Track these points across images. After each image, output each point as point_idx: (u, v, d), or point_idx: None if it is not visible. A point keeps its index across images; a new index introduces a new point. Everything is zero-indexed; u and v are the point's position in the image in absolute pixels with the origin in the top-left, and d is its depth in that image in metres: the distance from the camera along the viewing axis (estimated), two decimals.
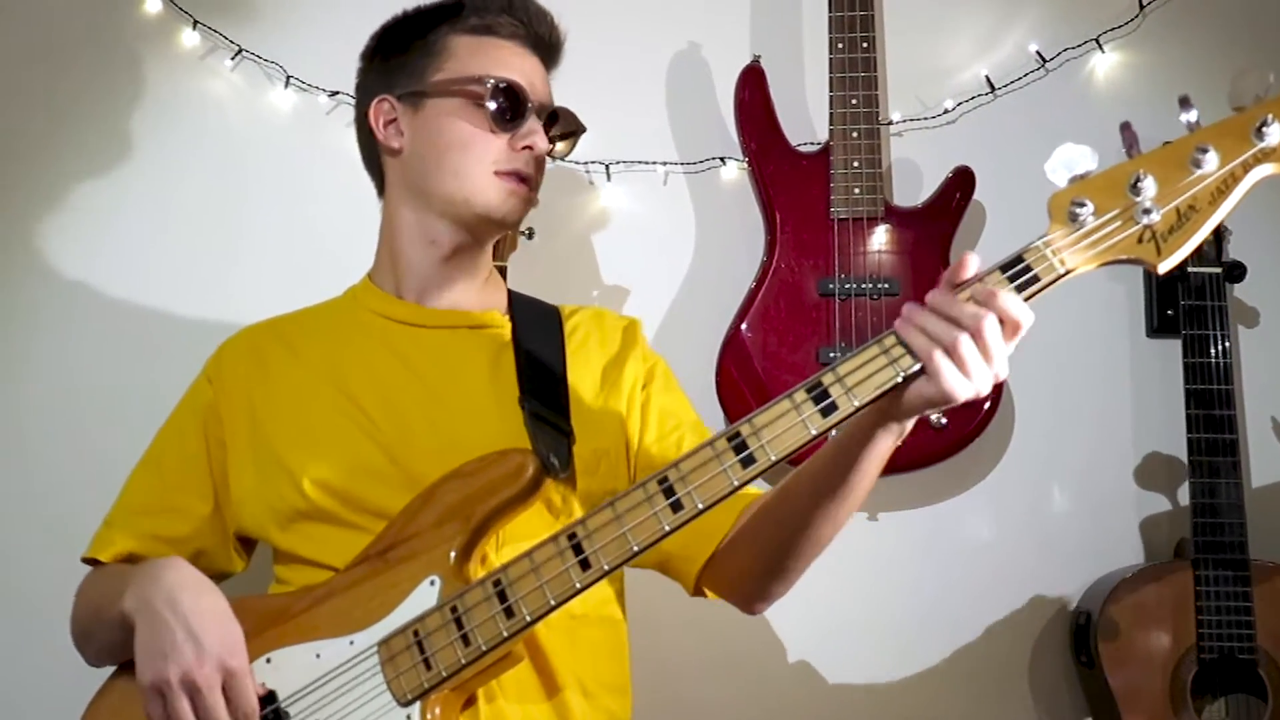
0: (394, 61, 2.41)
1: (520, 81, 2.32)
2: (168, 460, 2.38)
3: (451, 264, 2.38)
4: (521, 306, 2.44)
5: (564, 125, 2.43)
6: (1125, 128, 1.88)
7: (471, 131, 2.30)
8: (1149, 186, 1.79)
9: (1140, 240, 1.79)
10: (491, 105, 2.29)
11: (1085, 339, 3.27)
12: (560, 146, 2.44)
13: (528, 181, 2.33)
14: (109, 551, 2.33)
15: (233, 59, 3.22)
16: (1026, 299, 1.81)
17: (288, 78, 3.22)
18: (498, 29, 2.36)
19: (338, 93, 3.21)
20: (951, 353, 1.79)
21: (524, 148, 2.31)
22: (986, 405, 3.05)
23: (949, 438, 3.05)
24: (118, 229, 3.19)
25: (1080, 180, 1.85)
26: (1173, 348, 3.16)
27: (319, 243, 3.20)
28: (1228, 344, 3.07)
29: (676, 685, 3.12)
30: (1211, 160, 1.79)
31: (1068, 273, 1.81)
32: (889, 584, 3.23)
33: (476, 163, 2.30)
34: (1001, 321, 1.79)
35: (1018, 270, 1.83)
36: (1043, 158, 3.18)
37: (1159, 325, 3.26)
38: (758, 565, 2.23)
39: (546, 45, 2.42)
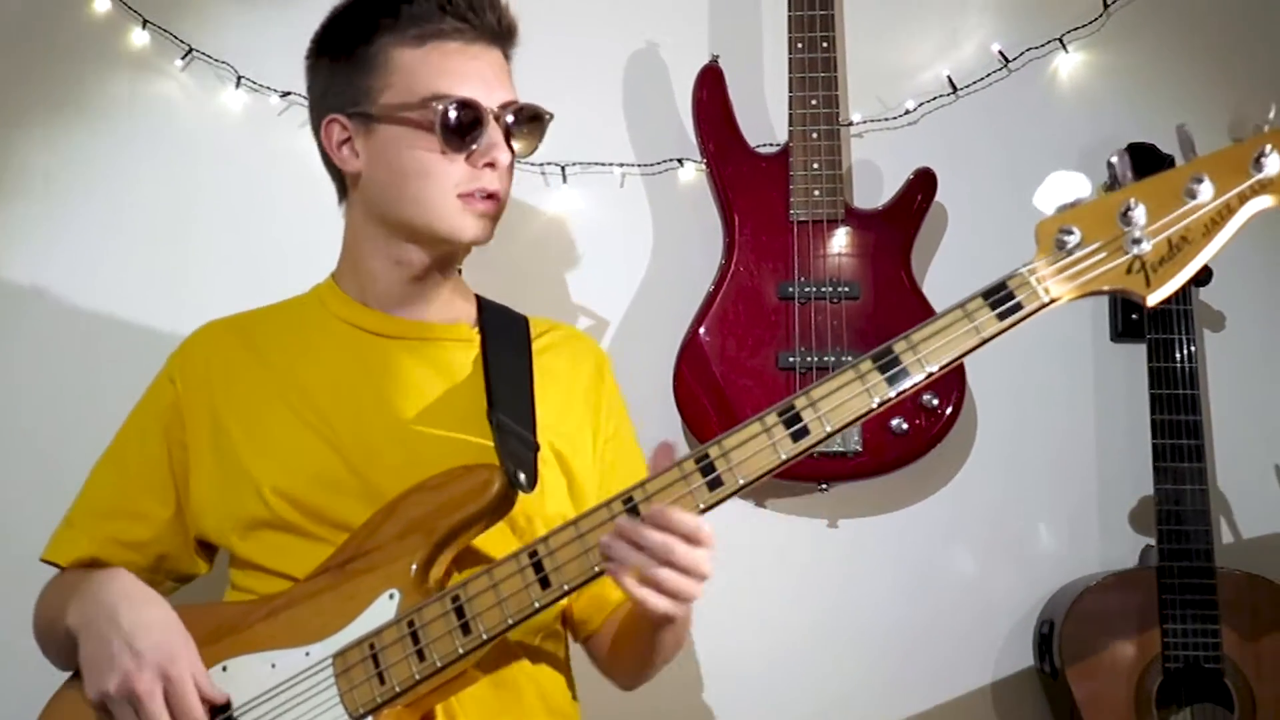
0: (340, 69, 2.32)
1: (471, 95, 2.22)
2: (129, 462, 2.36)
3: (421, 281, 2.34)
4: (491, 316, 2.42)
5: (528, 116, 2.31)
6: (1120, 155, 1.85)
7: (429, 158, 2.22)
8: (1140, 216, 1.78)
9: (1129, 270, 1.79)
10: (444, 128, 2.20)
11: (1049, 343, 3.25)
12: (520, 145, 2.31)
13: (495, 196, 2.26)
14: (68, 555, 2.32)
15: (183, 59, 3.20)
16: (1008, 328, 1.82)
17: (239, 78, 3.20)
18: (439, 33, 2.25)
19: (290, 93, 3.19)
20: (644, 575, 1.87)
21: (486, 164, 2.24)
22: (948, 410, 3.03)
23: (911, 443, 3.03)
24: (66, 233, 3.17)
25: (1069, 208, 1.82)
26: (1137, 352, 3.14)
27: (272, 246, 3.18)
28: (1193, 348, 3.05)
29: (629, 699, 3.10)
30: (1207, 190, 1.78)
31: (1052, 301, 1.81)
32: (849, 592, 3.22)
33: (439, 189, 2.23)
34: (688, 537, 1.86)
35: (1000, 297, 1.82)
36: (1006, 159, 3.23)
37: (1123, 329, 3.25)
38: (614, 663, 2.38)
39: (498, 35, 2.31)
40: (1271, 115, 1.79)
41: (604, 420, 2.41)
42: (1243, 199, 1.77)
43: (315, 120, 2.37)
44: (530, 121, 2.32)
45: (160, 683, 1.98)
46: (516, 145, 2.30)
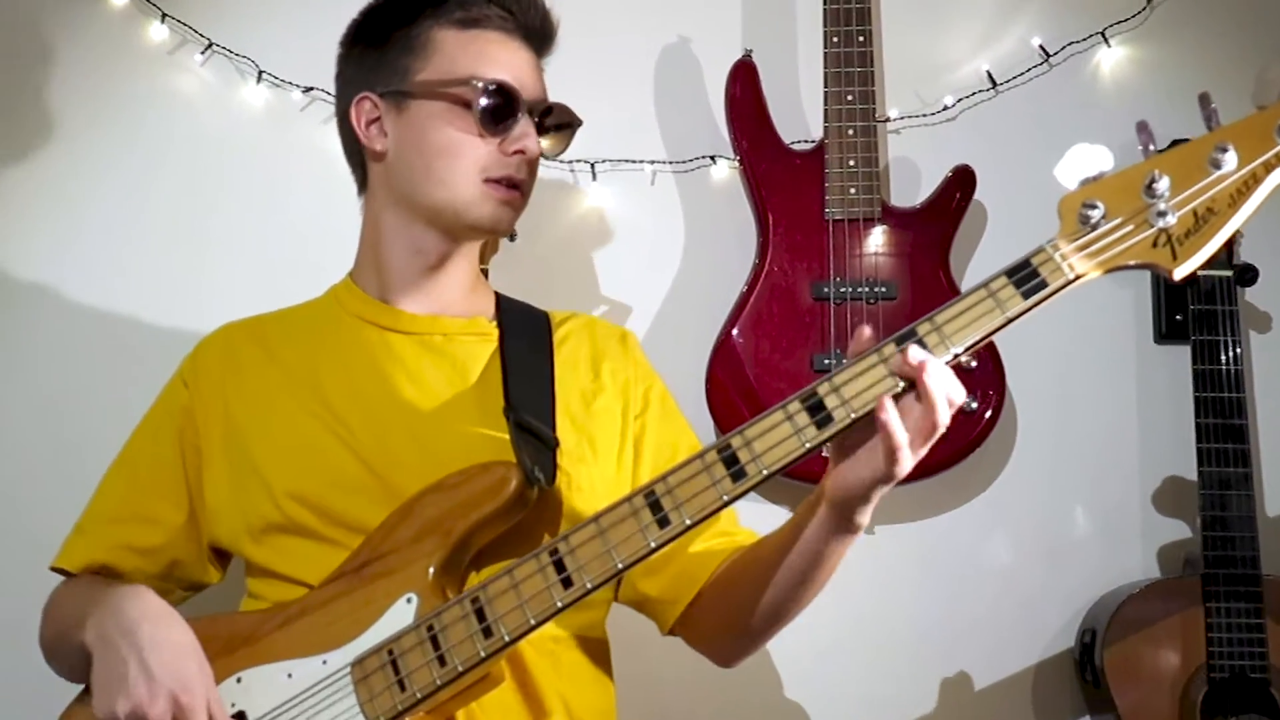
0: (375, 54, 2.34)
1: (510, 80, 2.25)
2: (141, 466, 2.34)
3: (438, 271, 2.34)
4: (510, 312, 2.40)
5: (557, 119, 2.36)
6: (1142, 127, 1.84)
7: (459, 137, 2.24)
8: (1165, 188, 1.75)
9: (1155, 244, 1.75)
10: (480, 108, 2.22)
11: (1090, 345, 3.23)
12: (549, 144, 2.35)
13: (519, 187, 2.28)
14: (79, 561, 2.30)
15: (203, 54, 3.19)
16: (1033, 306, 1.79)
17: (260, 73, 3.18)
18: (484, 21, 2.29)
19: (312, 88, 3.17)
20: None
21: (515, 152, 2.25)
22: (987, 414, 3.01)
23: (949, 448, 2.99)
24: (84, 230, 3.15)
25: (1092, 182, 1.80)
26: (1181, 354, 3.13)
27: (293, 243, 3.17)
28: (1239, 350, 3.03)
29: (664, 707, 3.09)
30: (1231, 160, 1.75)
31: (1077, 278, 1.77)
32: (886, 600, 3.19)
33: (466, 170, 2.24)
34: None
35: (1024, 275, 1.80)
36: (1046, 156, 3.14)
37: (1167, 331, 3.23)
38: (724, 628, 2.24)
39: (538, 35, 2.35)
40: None
41: (633, 395, 2.38)
42: (1268, 167, 1.74)
43: (343, 103, 2.38)
44: (561, 125, 2.37)
45: (171, 710, 1.95)
46: (545, 144, 2.32)
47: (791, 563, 2.05)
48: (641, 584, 2.27)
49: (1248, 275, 3.04)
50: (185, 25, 3.18)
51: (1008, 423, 3.19)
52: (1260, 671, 2.90)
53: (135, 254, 3.17)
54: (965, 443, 3.02)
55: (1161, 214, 1.74)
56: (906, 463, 1.79)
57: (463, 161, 2.24)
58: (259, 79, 3.19)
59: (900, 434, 1.77)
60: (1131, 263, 1.77)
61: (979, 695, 3.20)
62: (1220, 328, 3.04)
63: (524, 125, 2.26)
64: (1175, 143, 2.92)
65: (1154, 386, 3.26)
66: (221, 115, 3.22)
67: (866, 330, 1.85)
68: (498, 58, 2.27)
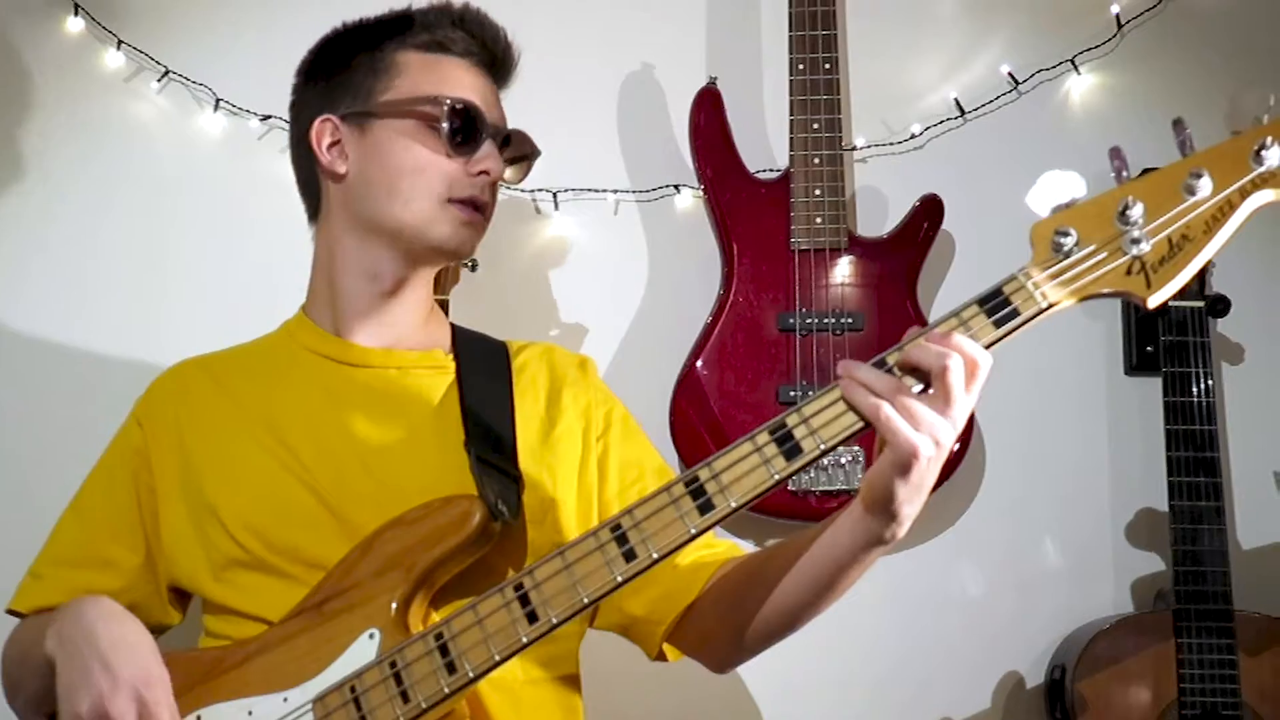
0: (337, 79, 2.34)
1: (476, 102, 2.27)
2: (96, 509, 2.33)
3: (393, 299, 2.32)
4: (466, 343, 2.38)
5: (516, 149, 2.37)
6: (1115, 153, 1.83)
7: (426, 156, 2.24)
8: (1138, 214, 1.74)
9: (1129, 272, 1.74)
10: (446, 127, 2.23)
11: (1060, 376, 3.22)
12: (511, 173, 2.37)
13: (482, 210, 2.28)
14: (33, 605, 2.28)
15: (159, 81, 3.18)
16: (1005, 335, 1.77)
17: (217, 101, 3.17)
18: (450, 45, 2.31)
19: (270, 116, 3.16)
20: (895, 403, 1.73)
21: (479, 173, 2.25)
22: (955, 446, 2.98)
23: None
24: (38, 260, 3.14)
25: (1065, 209, 1.79)
26: (1153, 386, 3.12)
27: (251, 273, 3.16)
28: (1211, 382, 3.02)
29: None
30: (1206, 186, 1.74)
31: (1050, 307, 1.76)
32: (853, 635, 3.15)
33: (430, 189, 2.24)
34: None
35: (996, 304, 1.78)
36: (1016, 185, 3.12)
37: (1138, 362, 3.22)
38: (731, 637, 2.18)
39: (500, 66, 2.37)
40: (1272, 103, 1.76)
41: (594, 418, 2.36)
42: (1244, 194, 1.73)
43: (300, 128, 2.37)
44: (520, 156, 2.40)
45: (134, 706, 1.93)
46: (507, 172, 2.35)
47: (816, 570, 2.01)
48: (627, 604, 2.23)
49: (1219, 306, 3.03)
50: (141, 53, 3.17)
51: (975, 455, 3.18)
52: (1233, 708, 2.88)
53: (90, 283, 3.16)
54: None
55: (1135, 241, 1.73)
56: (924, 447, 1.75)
57: (427, 180, 2.24)
58: (216, 107, 3.18)
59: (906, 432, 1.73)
60: (1105, 290, 1.76)
61: None
62: (1192, 359, 3.03)
63: (488, 148, 2.27)
64: (1146, 171, 2.96)
65: (1125, 418, 3.25)
66: (178, 143, 3.21)
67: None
68: (463, 80, 2.29)
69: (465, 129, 2.25)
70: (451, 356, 2.34)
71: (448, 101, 2.24)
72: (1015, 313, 1.76)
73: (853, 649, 3.18)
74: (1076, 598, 3.19)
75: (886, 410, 1.74)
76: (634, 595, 2.20)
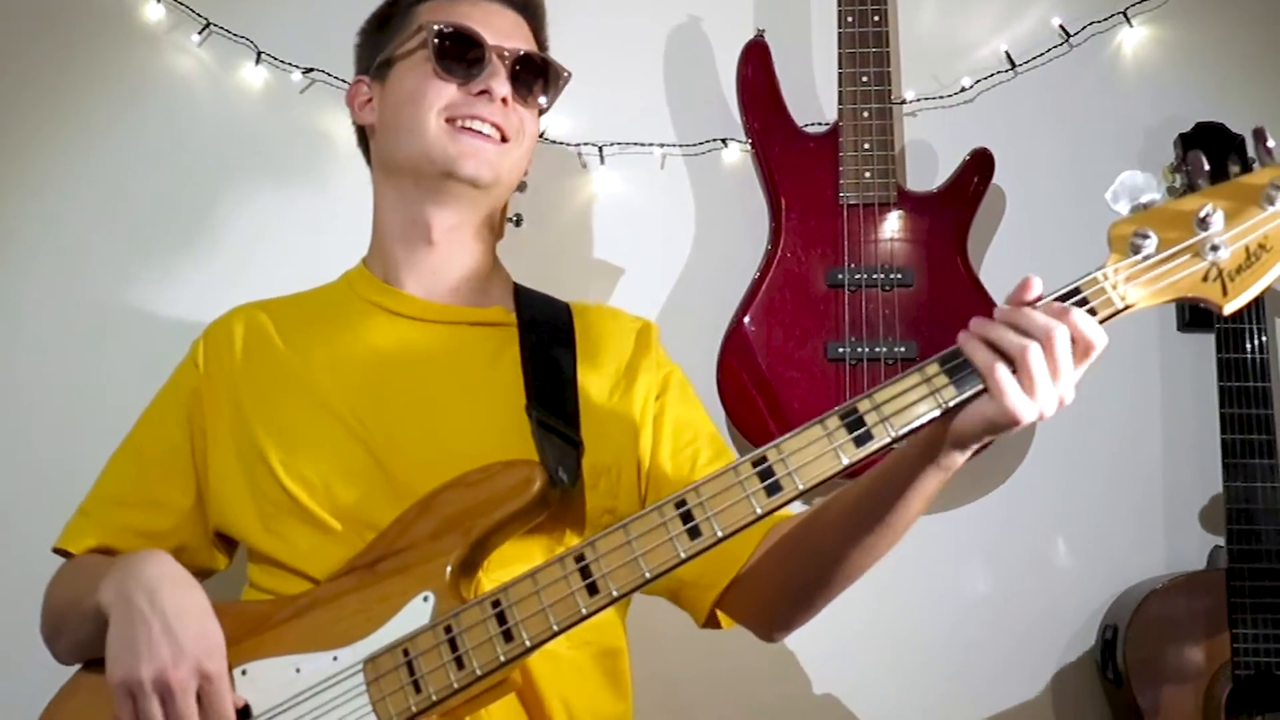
0: (370, 41, 2.45)
1: (471, 25, 2.31)
2: (148, 449, 2.34)
3: (441, 250, 2.34)
4: (530, 304, 2.40)
5: (544, 72, 2.41)
6: (1192, 157, 1.82)
7: (420, 82, 2.31)
8: (1217, 221, 1.76)
9: (1206, 278, 1.76)
10: (434, 48, 2.29)
11: (1112, 333, 3.06)
12: (531, 97, 2.40)
13: (496, 134, 2.30)
14: (82, 543, 2.29)
15: (200, 34, 3.18)
16: None
17: (259, 54, 3.17)
18: None
19: (312, 69, 3.16)
20: (1018, 366, 1.73)
21: (480, 92, 2.29)
22: None
23: None
24: (77, 215, 3.15)
25: (1143, 210, 1.80)
26: (1205, 343, 3.11)
27: (293, 226, 3.17)
28: (1264, 338, 3.01)
29: (685, 707, 3.09)
30: None
31: (1127, 308, 1.78)
32: (904, 593, 3.17)
33: (426, 111, 2.29)
34: (1072, 340, 1.75)
35: (1075, 302, 1.78)
36: (1066, 139, 3.20)
37: (1191, 319, 3.21)
38: (783, 595, 2.19)
39: None
40: None
41: (653, 381, 2.37)
42: None
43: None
44: (542, 72, 2.41)
45: (196, 679, 1.94)
46: (528, 94, 2.38)
47: (877, 502, 1.99)
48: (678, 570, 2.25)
49: None
50: (182, 5, 3.17)
51: None
52: None
53: (132, 236, 3.16)
54: None
55: (1214, 248, 1.76)
56: (1029, 416, 1.76)
57: (424, 104, 2.29)
58: (258, 60, 3.18)
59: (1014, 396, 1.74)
60: (1183, 296, 1.78)
61: (997, 694, 3.19)
62: (1246, 315, 3.02)
63: (492, 68, 2.31)
64: (1199, 126, 2.97)
65: (1177, 375, 3.24)
66: (219, 97, 3.21)
67: (1035, 287, 1.80)
68: (465, 11, 2.36)
69: (456, 51, 2.30)
70: (514, 315, 2.36)
71: (435, 26, 2.30)
72: (1093, 311, 1.78)
73: (905, 609, 3.18)
74: (1129, 557, 3.19)
75: (1001, 371, 1.74)
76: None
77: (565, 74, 2.43)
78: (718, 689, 3.13)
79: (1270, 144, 1.79)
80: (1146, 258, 1.77)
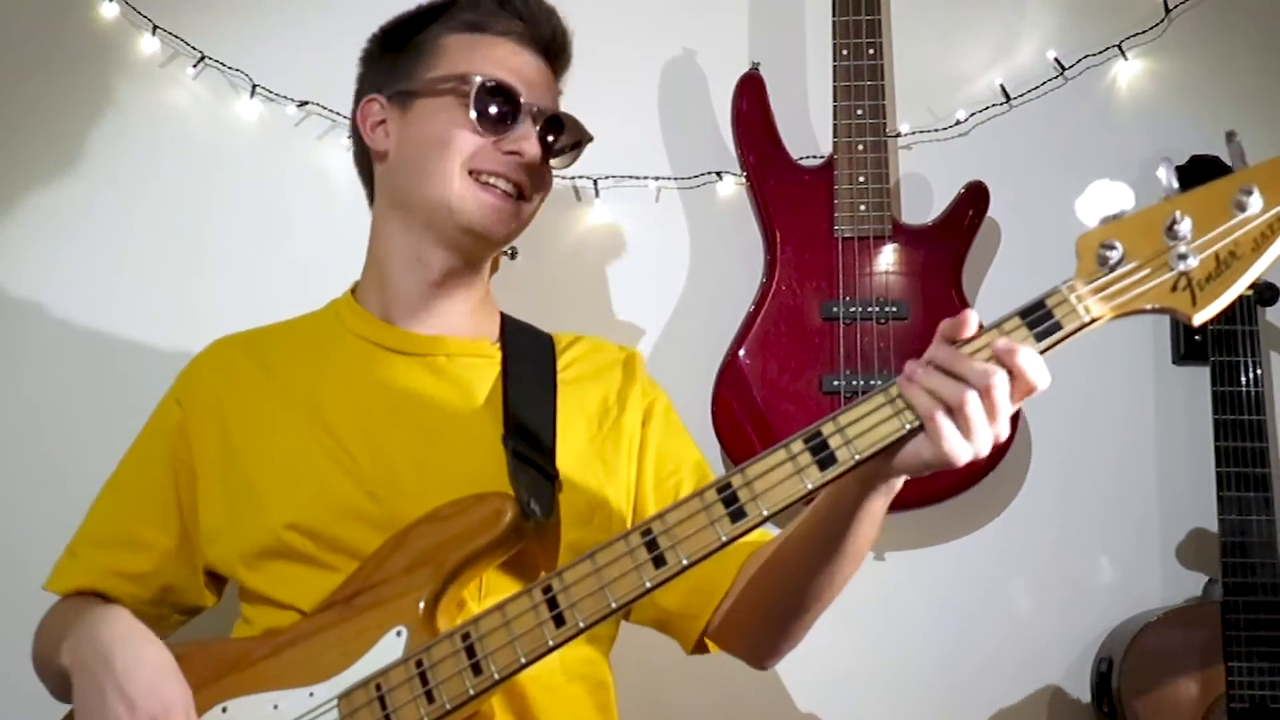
0: (387, 61, 2.40)
1: (511, 81, 2.28)
2: (130, 489, 2.34)
3: (442, 289, 2.34)
4: (514, 335, 2.40)
5: (569, 135, 2.38)
6: (1167, 165, 1.80)
7: (452, 130, 2.26)
8: (1186, 229, 1.72)
9: (1175, 288, 1.73)
10: (477, 104, 2.25)
11: (1107, 366, 3.22)
12: (558, 160, 2.39)
13: (516, 194, 2.29)
14: (68, 585, 2.30)
15: (195, 66, 3.18)
16: (1046, 349, 1.76)
17: (254, 86, 3.17)
18: (491, 25, 2.33)
19: (307, 103, 3.16)
20: (956, 414, 1.74)
21: (510, 152, 2.26)
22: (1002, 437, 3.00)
23: (962, 472, 2.92)
24: (73, 247, 3.15)
25: (1113, 220, 1.77)
26: (1200, 376, 3.12)
27: (287, 260, 3.16)
28: (1259, 371, 3.02)
29: None
30: (1256, 203, 1.72)
31: (1093, 321, 1.76)
32: (897, 627, 3.18)
33: (452, 163, 2.26)
34: (1013, 378, 1.74)
35: (1038, 316, 1.77)
36: (1062, 172, 3.20)
37: (1185, 352, 3.22)
38: (763, 623, 2.20)
39: (549, 46, 2.38)
40: None
41: (641, 408, 2.37)
42: None
43: (355, 108, 2.44)
44: (571, 144, 2.40)
45: None
46: (554, 161, 2.37)
47: (829, 529, 2.00)
48: (661, 598, 2.23)
49: (1268, 294, 3.04)
50: (177, 38, 3.17)
51: (1022, 445, 3.18)
52: None
53: (126, 269, 3.16)
54: (979, 467, 2.98)
55: (1182, 256, 1.72)
56: (964, 459, 1.77)
57: (452, 152, 2.26)
58: (253, 93, 3.18)
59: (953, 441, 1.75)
60: (1149, 306, 1.75)
61: None
62: (1240, 348, 3.03)
63: (525, 128, 2.28)
64: (1194, 159, 2.97)
65: (1172, 409, 3.25)
66: (214, 129, 3.21)
67: (970, 323, 1.81)
68: (505, 61, 2.31)
69: (496, 106, 2.27)
70: (499, 347, 2.35)
71: (478, 78, 2.26)
72: (1057, 326, 1.76)
73: (896, 641, 3.19)
74: (1124, 589, 3.19)
75: (941, 416, 1.75)
76: (668, 590, 2.19)
77: (588, 136, 2.42)
78: (706, 716, 3.13)
79: (1240, 145, 1.76)
80: (1113, 269, 1.75)
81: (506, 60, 2.31)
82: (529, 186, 2.31)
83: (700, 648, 2.30)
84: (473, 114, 2.25)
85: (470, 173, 2.26)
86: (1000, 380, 1.72)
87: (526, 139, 2.27)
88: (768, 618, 2.19)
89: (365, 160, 2.44)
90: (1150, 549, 3.22)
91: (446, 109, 2.28)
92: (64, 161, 3.17)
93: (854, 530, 1.98)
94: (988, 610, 3.21)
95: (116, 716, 1.95)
